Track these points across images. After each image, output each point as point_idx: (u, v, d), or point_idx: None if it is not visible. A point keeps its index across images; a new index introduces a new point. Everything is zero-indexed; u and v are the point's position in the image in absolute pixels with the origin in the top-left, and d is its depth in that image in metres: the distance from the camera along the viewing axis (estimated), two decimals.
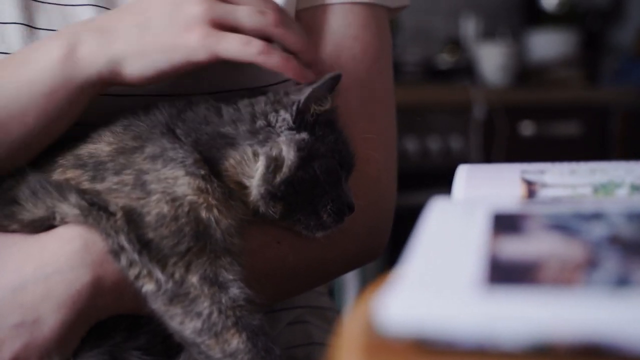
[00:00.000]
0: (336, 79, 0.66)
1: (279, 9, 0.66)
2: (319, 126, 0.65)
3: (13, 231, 0.62)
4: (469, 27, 2.85)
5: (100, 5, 0.72)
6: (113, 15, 0.65)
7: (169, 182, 0.60)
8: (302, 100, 0.64)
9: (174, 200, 0.59)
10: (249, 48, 0.61)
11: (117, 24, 0.63)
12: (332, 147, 0.65)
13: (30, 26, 0.69)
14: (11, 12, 0.69)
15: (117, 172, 0.61)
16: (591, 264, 0.35)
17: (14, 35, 0.68)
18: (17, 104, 0.62)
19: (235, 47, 0.61)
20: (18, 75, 0.63)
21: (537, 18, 2.99)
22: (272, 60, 0.62)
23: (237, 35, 0.61)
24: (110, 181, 0.61)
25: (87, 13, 0.71)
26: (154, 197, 0.59)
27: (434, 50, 2.78)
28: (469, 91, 2.43)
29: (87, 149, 0.63)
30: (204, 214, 0.60)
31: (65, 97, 0.62)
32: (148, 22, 0.62)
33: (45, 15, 0.70)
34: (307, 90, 0.64)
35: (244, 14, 0.62)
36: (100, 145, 0.63)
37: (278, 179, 0.63)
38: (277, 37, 0.64)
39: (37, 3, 0.71)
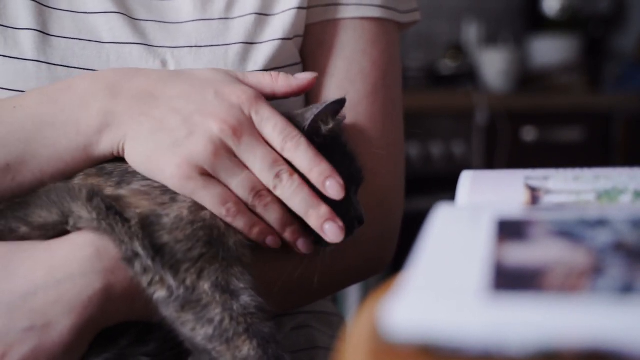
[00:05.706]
0: (340, 102, 0.66)
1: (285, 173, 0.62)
2: (324, 148, 0.64)
3: (22, 234, 0.62)
4: (471, 33, 2.86)
5: (114, 11, 0.72)
6: (159, 88, 0.64)
7: None
8: (306, 127, 0.64)
9: (197, 209, 0.60)
10: (220, 209, 0.61)
11: (151, 111, 0.63)
12: (338, 164, 0.65)
13: (44, 33, 0.69)
14: (25, 18, 0.69)
15: (146, 178, 0.62)
16: (596, 270, 0.35)
17: (27, 41, 0.69)
18: (38, 165, 0.63)
19: (208, 202, 0.61)
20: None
21: (540, 24, 2.99)
22: (237, 223, 0.62)
23: (217, 192, 0.61)
24: (139, 184, 0.61)
25: (100, 21, 0.71)
26: (179, 204, 0.61)
27: (436, 56, 2.78)
28: (472, 96, 2.43)
29: (113, 163, 0.64)
30: (220, 222, 0.61)
31: (82, 163, 0.64)
32: (164, 128, 0.61)
33: (58, 22, 0.70)
34: (310, 116, 0.64)
35: (238, 184, 0.61)
36: (127, 165, 0.63)
37: None
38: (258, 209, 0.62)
39: (51, 10, 0.71)
